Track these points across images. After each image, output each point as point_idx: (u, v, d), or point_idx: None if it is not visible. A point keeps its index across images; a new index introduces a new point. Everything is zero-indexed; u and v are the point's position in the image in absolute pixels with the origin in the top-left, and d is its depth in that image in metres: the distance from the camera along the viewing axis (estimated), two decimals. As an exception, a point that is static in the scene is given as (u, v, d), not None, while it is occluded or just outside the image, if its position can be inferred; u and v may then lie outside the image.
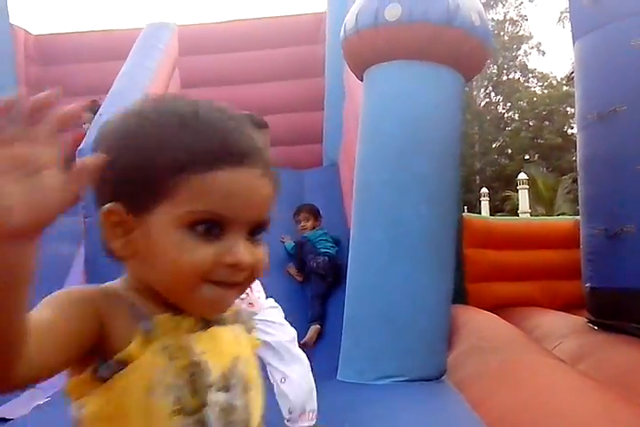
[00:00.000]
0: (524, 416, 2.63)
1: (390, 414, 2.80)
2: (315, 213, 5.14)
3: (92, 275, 4.05)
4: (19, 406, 3.45)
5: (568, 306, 6.24)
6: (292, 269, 4.99)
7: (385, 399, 3.00)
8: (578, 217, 7.79)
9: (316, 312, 4.47)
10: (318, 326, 4.35)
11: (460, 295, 5.69)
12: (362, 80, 3.88)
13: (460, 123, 3.80)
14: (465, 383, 3.22)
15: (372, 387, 3.21)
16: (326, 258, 4.80)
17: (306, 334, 4.22)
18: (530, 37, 31.15)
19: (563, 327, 5.02)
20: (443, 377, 3.41)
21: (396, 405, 2.94)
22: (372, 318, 3.42)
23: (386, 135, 3.56)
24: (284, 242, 5.13)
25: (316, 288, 4.68)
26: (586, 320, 4.87)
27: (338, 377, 3.48)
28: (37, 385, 4.00)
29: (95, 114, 4.87)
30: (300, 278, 4.93)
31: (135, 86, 4.89)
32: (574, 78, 5.53)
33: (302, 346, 4.06)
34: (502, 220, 7.77)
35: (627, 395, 2.98)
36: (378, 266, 3.48)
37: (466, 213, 7.15)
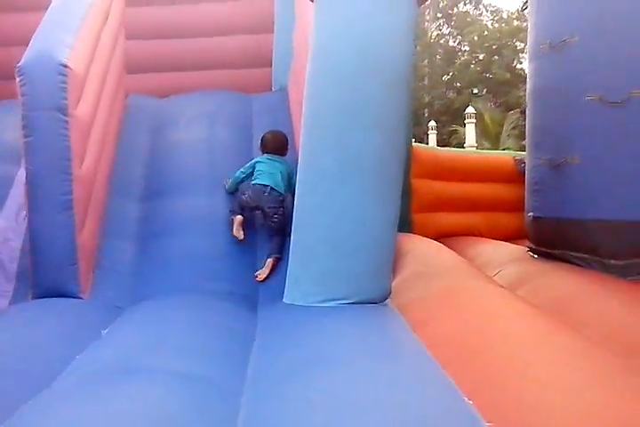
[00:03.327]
0: (464, 339, 2.67)
1: (334, 332, 2.83)
2: (262, 142, 4.70)
3: (35, 194, 3.92)
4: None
5: (509, 238, 6.39)
6: (236, 221, 4.36)
7: (329, 320, 3.03)
8: (522, 153, 7.96)
9: (270, 247, 4.27)
10: (270, 260, 4.18)
11: (406, 224, 5.74)
12: (312, 1, 3.73)
13: (412, 49, 3.70)
14: (408, 307, 3.27)
15: (317, 309, 3.23)
16: (260, 186, 4.34)
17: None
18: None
19: (503, 256, 5.14)
20: (386, 301, 3.45)
21: (339, 324, 2.97)
22: (319, 242, 3.40)
23: (337, 59, 3.44)
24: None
25: (265, 225, 4.39)
26: (526, 249, 4.98)
27: (284, 300, 3.49)
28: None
29: None
30: (239, 236, 4.31)
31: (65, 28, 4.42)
32: (528, 9, 5.46)
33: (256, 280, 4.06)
34: (450, 152, 7.78)
35: (563, 320, 3.07)
36: (325, 191, 3.43)
37: (415, 144, 7.12)
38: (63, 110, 3.91)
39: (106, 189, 4.74)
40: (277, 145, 4.65)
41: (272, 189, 4.35)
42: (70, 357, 2.75)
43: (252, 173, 4.52)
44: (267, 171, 4.44)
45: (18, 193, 4.58)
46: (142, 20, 6.65)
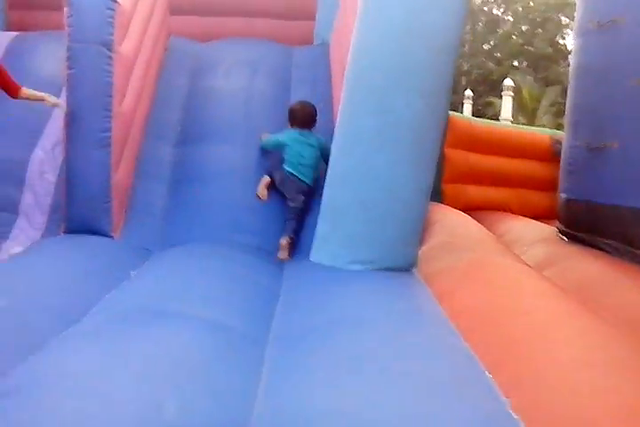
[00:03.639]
0: (488, 313, 2.68)
1: (359, 296, 2.86)
2: (291, 114, 4.52)
3: (74, 128, 3.95)
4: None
5: (539, 216, 6.34)
6: (262, 181, 4.36)
7: (355, 283, 3.06)
8: (558, 131, 7.83)
9: (284, 228, 4.15)
10: (283, 242, 4.02)
11: (436, 194, 5.70)
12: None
13: (463, 16, 3.62)
14: (433, 277, 3.28)
15: (343, 271, 3.25)
16: (289, 176, 4.27)
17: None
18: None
19: (532, 234, 5.11)
20: (413, 269, 3.46)
21: (365, 288, 3.00)
22: (351, 204, 3.41)
23: (386, 20, 3.38)
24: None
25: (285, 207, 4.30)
26: (556, 230, 4.94)
27: (311, 258, 3.52)
28: (11, 235, 4.04)
29: None
30: (262, 196, 4.32)
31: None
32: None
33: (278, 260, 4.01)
34: (487, 124, 7.65)
35: (586, 304, 3.06)
36: (361, 153, 3.42)
37: (450, 113, 7.01)
38: (108, 45, 3.90)
39: (143, 130, 4.74)
40: (307, 118, 4.48)
41: (299, 179, 4.27)
42: (99, 295, 2.81)
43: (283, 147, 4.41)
44: (297, 158, 4.31)
45: (56, 125, 4.58)
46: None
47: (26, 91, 3.73)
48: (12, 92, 3.68)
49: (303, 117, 4.47)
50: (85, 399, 1.72)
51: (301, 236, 4.10)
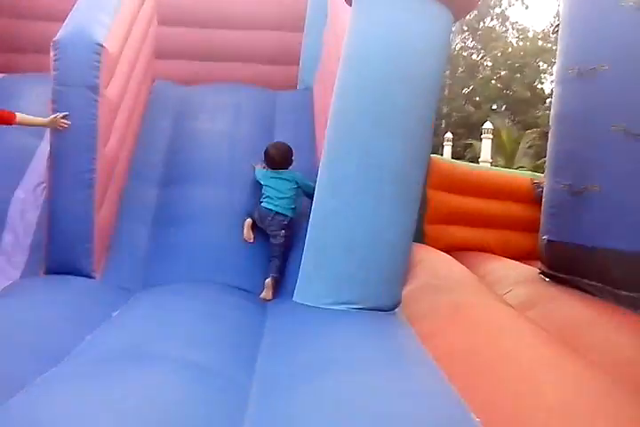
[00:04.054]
0: (472, 356, 2.68)
1: (344, 337, 2.83)
2: (267, 157, 4.58)
3: (58, 169, 3.95)
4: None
5: (519, 257, 6.38)
6: (246, 224, 4.39)
7: (339, 324, 3.04)
8: (537, 173, 7.95)
9: (269, 267, 4.17)
10: (269, 280, 4.05)
11: (418, 234, 5.73)
12: (350, 5, 3.73)
13: (444, 60, 3.72)
14: (417, 318, 3.27)
15: (327, 311, 3.23)
16: (268, 212, 4.31)
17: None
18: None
19: (514, 275, 5.13)
20: (396, 309, 3.45)
21: (349, 329, 2.98)
22: (335, 245, 3.41)
23: (369, 64, 3.45)
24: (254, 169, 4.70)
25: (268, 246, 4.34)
26: (538, 271, 4.97)
27: (294, 298, 3.50)
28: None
29: None
30: (248, 238, 4.35)
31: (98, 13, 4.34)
32: (559, 32, 5.46)
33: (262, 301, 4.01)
34: (468, 166, 7.77)
35: (569, 346, 3.07)
36: (345, 195, 3.44)
37: (433, 155, 7.11)
38: (94, 89, 3.92)
39: (126, 171, 4.75)
40: (282, 160, 4.54)
41: (277, 213, 4.32)
42: (80, 336, 2.77)
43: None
44: (273, 193, 4.40)
45: (38, 166, 4.58)
46: (176, 6, 6.65)
47: (20, 117, 3.71)
48: (6, 120, 3.67)
49: (280, 159, 4.54)
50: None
51: (287, 277, 4.08)
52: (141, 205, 4.57)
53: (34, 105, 4.82)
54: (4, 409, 1.91)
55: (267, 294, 4.01)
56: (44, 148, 4.51)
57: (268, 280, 4.05)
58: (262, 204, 4.38)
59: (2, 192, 4.49)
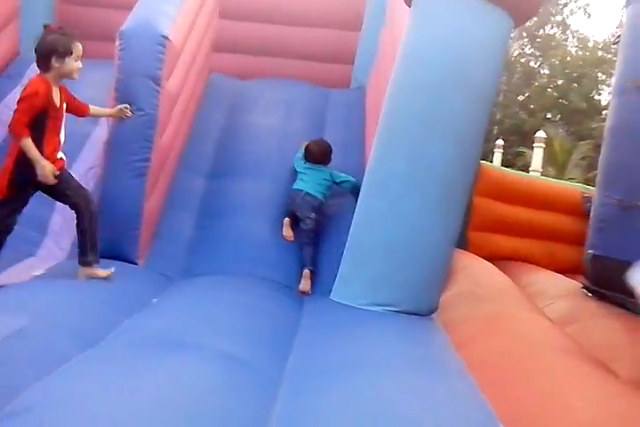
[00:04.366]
0: (506, 367, 2.65)
1: (378, 339, 2.83)
2: (307, 152, 4.71)
3: (114, 156, 4.04)
4: (15, 274, 3.51)
5: (563, 270, 6.27)
6: (285, 223, 4.47)
7: (375, 326, 3.04)
8: (590, 187, 7.79)
9: (302, 258, 4.25)
10: (307, 271, 4.14)
11: (461, 241, 5.67)
12: (409, 6, 3.71)
13: (500, 67, 3.67)
14: (453, 325, 3.24)
15: (363, 312, 3.23)
16: (295, 191, 4.48)
17: None
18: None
19: (557, 289, 5.05)
20: (433, 315, 3.43)
21: (385, 332, 2.98)
22: (376, 245, 3.40)
23: (425, 66, 3.42)
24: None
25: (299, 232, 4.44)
26: (581, 286, 4.89)
27: (331, 296, 3.51)
28: (37, 254, 4.09)
29: None
30: (288, 236, 4.40)
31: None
32: (620, 43, 5.33)
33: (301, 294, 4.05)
34: (518, 174, 7.65)
35: (606, 364, 3.01)
36: (391, 196, 3.42)
37: (483, 162, 7.02)
38: (156, 79, 4.00)
39: (177, 161, 4.83)
40: (322, 157, 4.68)
41: (306, 193, 4.43)
42: (119, 320, 2.83)
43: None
44: (306, 178, 4.55)
45: (91, 150, 4.69)
46: (237, 0, 6.70)
47: (92, 109, 3.80)
48: (82, 113, 3.77)
49: (320, 155, 4.68)
50: (93, 424, 1.72)
51: (324, 273, 4.09)
52: (189, 196, 4.65)
53: (93, 91, 4.95)
54: (39, 386, 1.97)
55: (305, 284, 4.09)
56: (99, 133, 4.63)
57: (306, 271, 4.13)
58: (296, 185, 4.53)
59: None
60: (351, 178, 4.52)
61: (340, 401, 2.10)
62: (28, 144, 3.13)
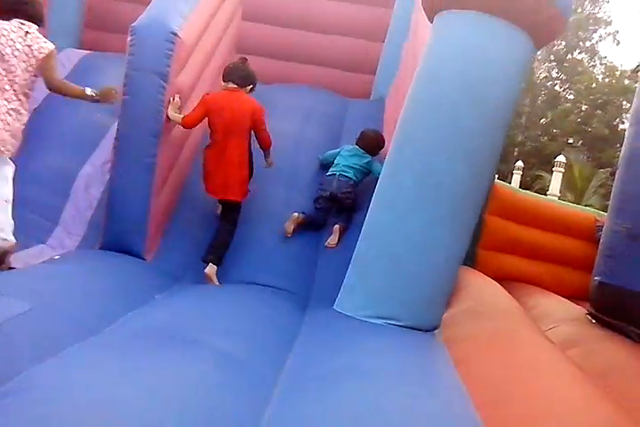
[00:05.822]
0: (504, 387, 2.61)
1: (377, 352, 2.82)
2: (359, 136, 5.01)
3: (121, 151, 4.07)
4: (26, 258, 3.55)
5: (570, 295, 6.20)
6: (292, 217, 4.51)
7: (375, 339, 3.02)
8: (602, 213, 7.72)
9: (338, 217, 4.55)
10: (337, 226, 4.43)
11: (469, 259, 5.64)
12: (431, 22, 3.71)
13: (519, 89, 3.64)
14: (454, 342, 3.21)
15: (365, 324, 3.22)
16: (329, 178, 4.69)
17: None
18: (608, 23, 29.98)
19: (561, 312, 5.00)
20: (435, 331, 3.41)
21: (384, 343, 2.97)
22: (381, 259, 3.39)
23: (442, 83, 3.39)
24: None
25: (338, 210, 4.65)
26: (585, 312, 4.84)
27: (334, 306, 3.50)
28: (47, 242, 4.13)
29: None
30: (287, 230, 4.47)
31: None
32: (640, 72, 5.30)
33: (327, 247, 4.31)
34: (531, 196, 7.59)
35: (607, 391, 2.96)
36: (400, 211, 3.40)
37: (497, 181, 6.98)
38: (164, 76, 4.03)
39: (191, 160, 4.84)
40: (367, 142, 4.91)
41: (340, 175, 4.62)
42: (122, 312, 2.86)
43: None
44: (341, 160, 4.75)
45: (108, 143, 4.73)
46: (262, 3, 6.72)
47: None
48: (266, 146, 4.36)
49: (367, 141, 4.94)
50: (84, 410, 1.73)
51: (328, 284, 4.08)
52: (202, 195, 4.66)
53: (110, 83, 5.01)
54: (35, 370, 1.99)
55: (333, 238, 4.37)
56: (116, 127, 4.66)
57: (337, 226, 4.38)
58: (326, 174, 4.73)
59: (71, 165, 4.66)
60: None
61: (333, 406, 2.10)
62: None
